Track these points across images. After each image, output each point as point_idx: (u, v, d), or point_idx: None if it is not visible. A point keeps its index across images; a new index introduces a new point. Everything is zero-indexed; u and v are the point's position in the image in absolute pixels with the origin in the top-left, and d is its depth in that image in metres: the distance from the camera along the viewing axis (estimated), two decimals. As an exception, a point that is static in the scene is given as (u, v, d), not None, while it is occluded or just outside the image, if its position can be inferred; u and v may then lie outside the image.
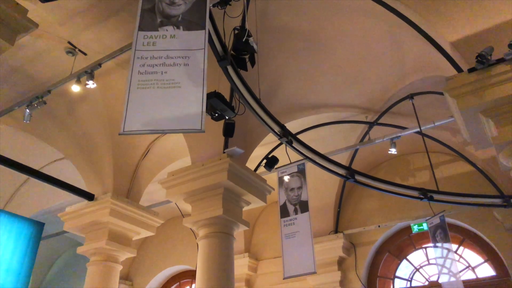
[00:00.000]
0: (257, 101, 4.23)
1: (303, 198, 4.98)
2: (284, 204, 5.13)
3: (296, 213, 4.95)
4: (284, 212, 5.07)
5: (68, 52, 6.34)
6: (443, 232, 7.48)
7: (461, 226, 8.61)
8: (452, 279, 7.32)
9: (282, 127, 4.68)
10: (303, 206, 4.93)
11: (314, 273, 4.56)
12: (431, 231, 7.67)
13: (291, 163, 5.21)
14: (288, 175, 5.23)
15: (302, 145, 5.05)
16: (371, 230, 9.15)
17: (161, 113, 2.97)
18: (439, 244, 7.49)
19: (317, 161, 5.34)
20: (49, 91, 6.23)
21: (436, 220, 7.62)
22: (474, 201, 6.56)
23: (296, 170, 5.20)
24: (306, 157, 5.25)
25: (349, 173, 5.65)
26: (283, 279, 4.74)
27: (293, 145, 4.92)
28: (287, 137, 4.72)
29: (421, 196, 6.14)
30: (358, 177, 5.74)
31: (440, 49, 5.04)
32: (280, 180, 5.28)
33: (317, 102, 7.52)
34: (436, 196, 6.37)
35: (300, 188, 5.02)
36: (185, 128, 2.97)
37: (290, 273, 4.70)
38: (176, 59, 3.14)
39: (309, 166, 8.25)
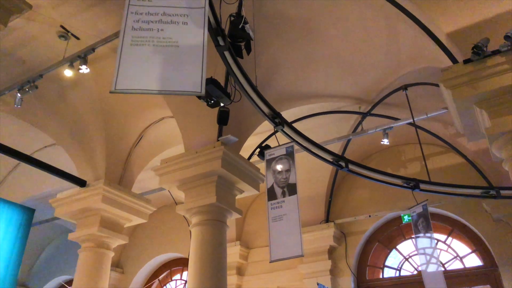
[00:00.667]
0: (254, 88, 4.21)
1: (291, 181, 4.80)
2: (272, 187, 4.93)
3: (284, 196, 4.78)
4: (271, 195, 4.89)
5: (60, 36, 6.24)
6: (425, 221, 7.52)
7: (450, 216, 8.74)
8: (434, 269, 7.38)
9: (278, 114, 4.67)
10: (291, 189, 4.77)
11: (301, 256, 4.43)
12: (413, 220, 7.75)
13: (279, 145, 5.07)
14: (276, 157, 5.10)
15: (298, 134, 5.05)
16: (361, 220, 9.24)
17: (157, 73, 2.77)
18: (422, 234, 7.53)
19: (313, 150, 5.35)
20: (41, 76, 6.14)
21: (419, 209, 7.69)
22: (464, 191, 6.63)
23: (284, 152, 5.02)
24: (302, 146, 5.25)
25: (336, 159, 5.62)
26: (270, 262, 4.62)
27: (288, 133, 4.92)
28: (283, 125, 4.71)
29: (412, 186, 6.18)
30: (351, 166, 5.77)
31: (436, 40, 5.05)
32: (268, 162, 5.10)
33: (311, 91, 7.52)
34: (427, 187, 6.43)
35: (288, 170, 4.85)
36: (184, 90, 2.78)
37: (277, 257, 4.55)
38: (174, 16, 2.94)
39: (301, 156, 8.31)
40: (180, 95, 3.08)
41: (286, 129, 4.87)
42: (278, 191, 4.86)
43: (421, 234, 7.55)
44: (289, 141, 5.15)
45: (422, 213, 7.62)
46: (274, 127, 4.75)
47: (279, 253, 4.54)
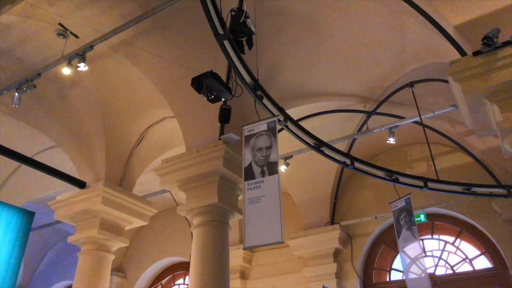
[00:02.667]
0: (255, 80, 4.07)
1: (272, 159, 4.26)
2: (250, 165, 4.36)
3: (263, 175, 4.22)
4: (249, 175, 4.34)
5: (59, 35, 6.12)
6: (408, 216, 7.20)
7: (458, 217, 8.53)
8: (418, 273, 7.10)
9: (281, 110, 4.52)
10: (272, 168, 4.22)
11: (281, 242, 3.90)
12: (395, 215, 7.41)
13: (260, 120, 4.52)
14: (256, 133, 4.53)
15: (302, 130, 4.90)
16: (367, 221, 9.06)
17: None
18: (405, 231, 7.20)
19: (318, 148, 5.19)
20: (39, 75, 6.02)
21: (401, 203, 7.41)
22: (476, 190, 6.44)
23: (265, 128, 4.45)
24: (308, 144, 5.08)
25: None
26: (243, 249, 4.18)
27: (292, 130, 4.76)
28: (286, 120, 4.55)
29: (421, 185, 6.01)
30: (356, 164, 5.60)
31: (443, 33, 4.90)
32: (246, 139, 4.56)
33: (315, 90, 7.37)
34: (436, 186, 6.25)
35: (269, 148, 4.31)
36: None
37: (252, 243, 4.04)
38: None
39: (305, 156, 8.15)
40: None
41: (289, 124, 4.71)
42: (256, 170, 4.29)
43: (405, 232, 7.21)
44: (270, 116, 4.73)
45: (404, 207, 7.31)
46: (278, 122, 4.56)
47: (255, 239, 4.02)
